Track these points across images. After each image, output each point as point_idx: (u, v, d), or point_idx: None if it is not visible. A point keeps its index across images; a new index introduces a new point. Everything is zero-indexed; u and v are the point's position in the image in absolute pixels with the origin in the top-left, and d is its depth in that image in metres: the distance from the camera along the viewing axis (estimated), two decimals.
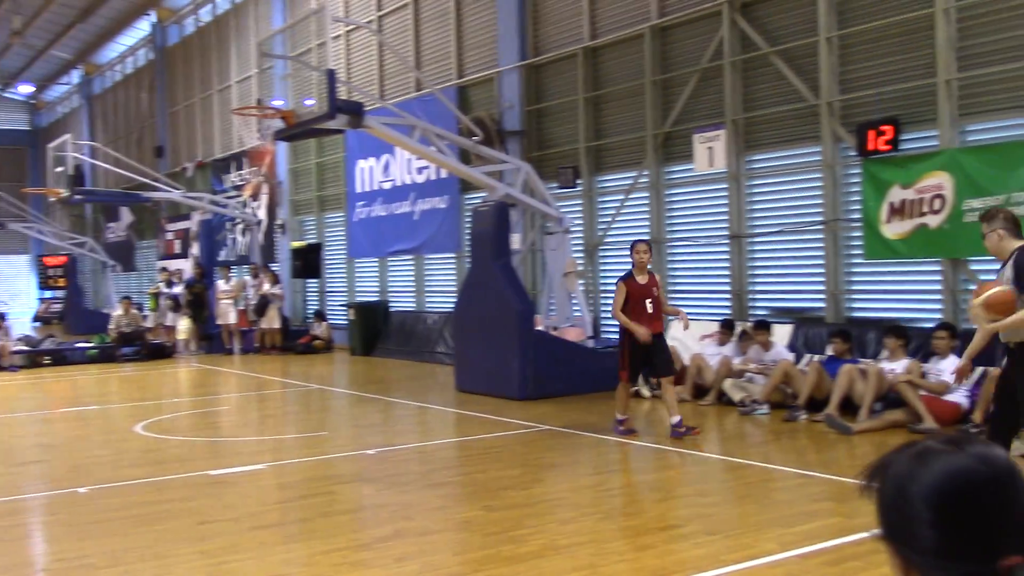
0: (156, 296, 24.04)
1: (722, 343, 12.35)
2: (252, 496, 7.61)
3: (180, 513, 6.93)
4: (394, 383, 15.53)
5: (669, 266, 14.48)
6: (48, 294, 36.12)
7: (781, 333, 12.09)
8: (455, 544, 6.23)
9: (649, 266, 9.80)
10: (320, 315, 21.83)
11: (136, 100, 34.48)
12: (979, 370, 9.32)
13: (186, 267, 24.70)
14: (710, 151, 13.39)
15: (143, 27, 32.68)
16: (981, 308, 6.24)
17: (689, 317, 10.27)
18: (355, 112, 13.10)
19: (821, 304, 12.44)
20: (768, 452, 9.16)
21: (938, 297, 11.11)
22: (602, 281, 15.80)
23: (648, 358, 9.58)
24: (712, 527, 6.19)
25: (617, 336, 10.23)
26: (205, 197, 24.44)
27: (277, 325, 20.97)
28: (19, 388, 16.28)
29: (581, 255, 15.56)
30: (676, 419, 9.28)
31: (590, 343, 13.99)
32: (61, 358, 19.97)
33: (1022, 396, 6.09)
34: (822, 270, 12.35)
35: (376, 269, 21.64)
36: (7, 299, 37.63)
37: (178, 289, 22.71)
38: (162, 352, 20.92)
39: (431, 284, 20.06)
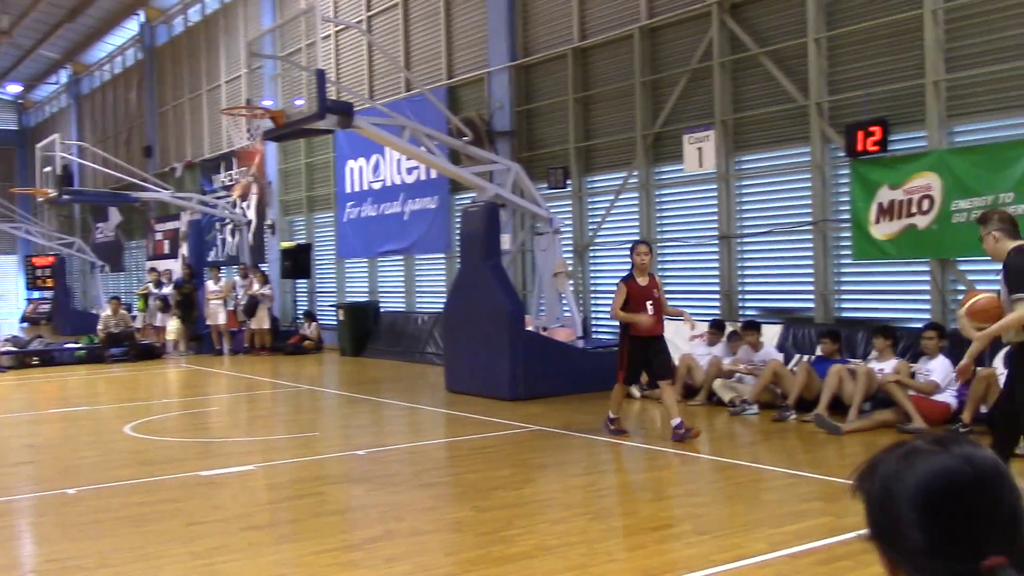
0: (145, 297, 23.97)
1: (712, 343, 12.37)
2: (242, 497, 7.59)
3: (170, 514, 6.92)
4: (384, 383, 15.52)
5: (659, 266, 14.49)
6: (36, 294, 35.97)
7: (770, 333, 12.12)
8: (446, 545, 6.23)
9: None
10: (310, 316, 21.78)
11: (125, 100, 34.36)
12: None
13: (175, 267, 24.63)
14: (699, 152, 13.42)
15: (132, 27, 32.57)
16: (965, 319, 6.28)
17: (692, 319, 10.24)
18: (345, 112, 13.09)
19: (810, 304, 12.48)
20: (758, 452, 9.19)
21: (926, 297, 11.16)
22: (592, 281, 15.83)
23: (647, 360, 9.56)
24: (702, 527, 6.21)
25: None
26: (194, 197, 24.36)
27: (267, 326, 20.93)
28: (7, 389, 16.21)
29: (571, 255, 15.57)
30: (676, 421, 9.23)
31: (580, 343, 14.01)
32: (49, 359, 19.90)
33: (1020, 395, 6.09)
34: (811, 270, 12.39)
35: (366, 269, 21.62)
36: None
37: (167, 289, 22.66)
38: (151, 353, 20.84)
39: (421, 284, 20.06)
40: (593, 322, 15.66)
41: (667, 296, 14.16)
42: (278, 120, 13.94)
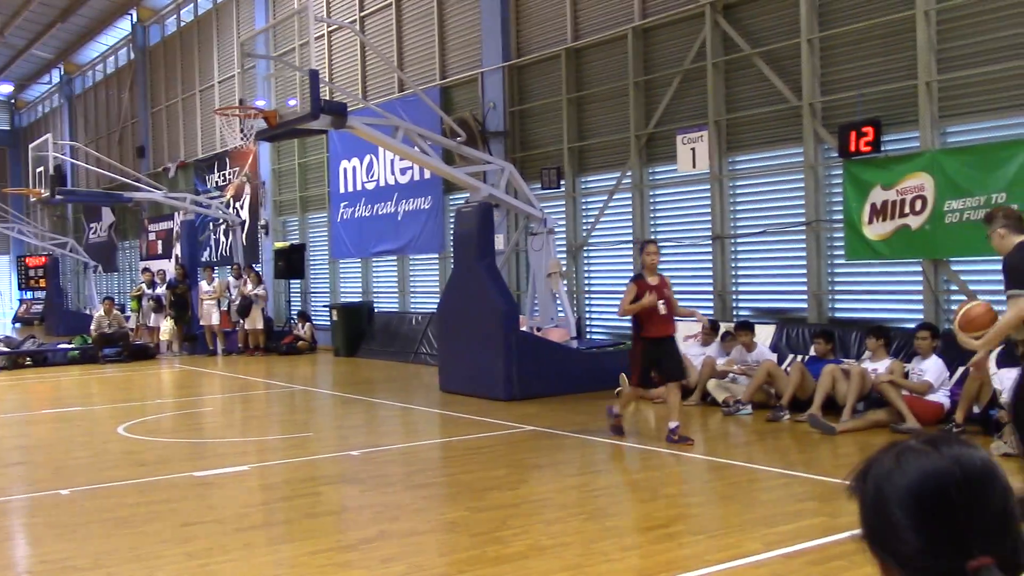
0: (138, 297, 23.92)
1: (705, 344, 12.38)
2: (236, 498, 7.59)
3: (164, 515, 6.91)
4: (378, 384, 15.51)
5: None
6: (29, 295, 35.90)
7: (764, 334, 12.13)
8: (440, 545, 6.24)
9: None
10: (303, 316, 21.76)
11: (117, 100, 34.28)
12: (960, 370, 9.40)
13: (168, 268, 24.59)
14: (693, 152, 13.44)
15: (124, 27, 32.51)
16: (960, 332, 6.29)
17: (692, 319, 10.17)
18: (338, 112, 13.08)
19: (803, 304, 12.50)
20: (752, 452, 9.21)
21: (919, 298, 11.19)
22: (586, 282, 15.84)
23: (658, 361, 9.50)
24: (697, 527, 6.22)
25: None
26: (187, 197, 24.32)
27: (260, 326, 20.90)
28: (0, 390, 16.17)
29: (565, 256, 15.58)
30: (674, 424, 9.19)
31: (574, 344, 14.02)
32: (42, 359, 19.86)
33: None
34: (804, 271, 12.42)
35: (360, 270, 21.61)
36: None
37: (160, 290, 22.61)
38: (145, 353, 20.81)
39: (415, 285, 20.05)
40: (587, 322, 15.67)
41: None
42: (271, 120, 13.92)
